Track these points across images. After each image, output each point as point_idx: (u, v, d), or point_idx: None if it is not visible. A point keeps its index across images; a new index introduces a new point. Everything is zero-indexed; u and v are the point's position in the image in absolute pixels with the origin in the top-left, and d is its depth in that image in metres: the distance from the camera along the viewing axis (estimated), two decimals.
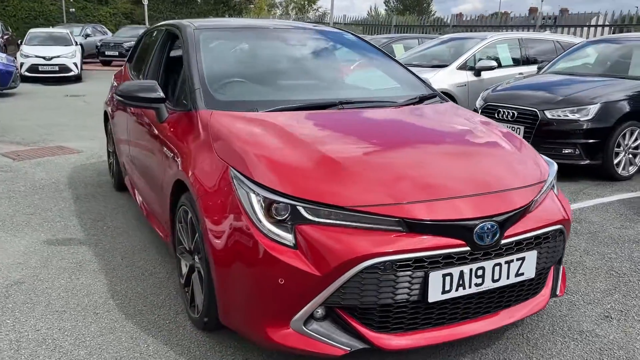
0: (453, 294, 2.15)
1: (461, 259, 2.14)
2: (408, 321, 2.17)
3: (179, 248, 2.89)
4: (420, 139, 2.67)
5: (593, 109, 5.51)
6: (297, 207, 2.13)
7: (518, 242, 2.27)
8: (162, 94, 3.08)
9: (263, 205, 2.17)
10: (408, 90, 3.44)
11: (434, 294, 2.11)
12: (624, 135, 5.66)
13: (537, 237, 2.33)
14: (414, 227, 2.10)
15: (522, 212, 2.30)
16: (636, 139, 5.75)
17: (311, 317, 2.14)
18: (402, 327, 2.17)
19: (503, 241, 2.21)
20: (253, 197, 2.20)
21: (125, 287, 3.14)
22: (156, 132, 3.19)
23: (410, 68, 3.80)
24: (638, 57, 6.51)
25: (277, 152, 2.36)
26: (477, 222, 2.15)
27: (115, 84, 5.01)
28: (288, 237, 2.12)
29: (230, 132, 2.54)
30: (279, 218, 2.14)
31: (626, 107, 5.62)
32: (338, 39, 3.87)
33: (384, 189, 2.18)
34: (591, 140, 5.53)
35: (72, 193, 4.96)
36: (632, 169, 5.79)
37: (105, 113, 5.15)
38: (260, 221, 2.16)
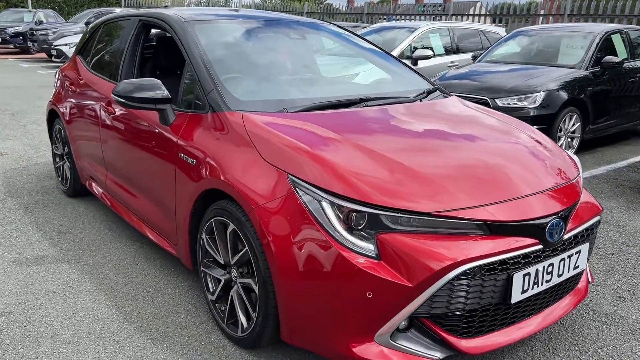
0: (529, 292, 2.16)
1: (536, 258, 2.16)
2: (489, 323, 2.15)
3: (205, 262, 2.67)
4: (465, 137, 2.65)
5: (539, 97, 5.83)
6: (379, 215, 2.02)
7: (575, 236, 2.33)
8: (168, 94, 2.80)
9: (340, 214, 2.05)
10: (412, 84, 3.41)
11: (516, 295, 2.12)
12: (564, 120, 6.05)
13: (586, 229, 2.41)
14: (495, 229, 2.08)
15: (575, 207, 2.37)
16: (574, 124, 6.18)
17: (395, 329, 2.06)
18: (483, 329, 2.15)
19: (565, 236, 2.26)
20: (326, 206, 2.06)
21: (135, 307, 2.85)
22: (160, 135, 2.90)
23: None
24: (564, 47, 6.98)
25: (339, 157, 2.22)
26: (547, 219, 2.17)
27: (64, 78, 4.52)
28: (370, 248, 2.02)
29: (276, 136, 2.36)
30: (357, 228, 2.03)
31: (565, 94, 6.00)
32: (334, 33, 3.74)
33: (460, 191, 2.14)
34: (537, 127, 5.84)
35: (17, 202, 4.43)
36: (570, 152, 6.21)
37: (52, 112, 4.64)
38: (338, 232, 2.03)
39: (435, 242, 2.01)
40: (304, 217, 2.09)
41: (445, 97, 3.34)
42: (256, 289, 2.30)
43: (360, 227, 2.03)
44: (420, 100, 3.17)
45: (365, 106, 2.87)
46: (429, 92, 3.30)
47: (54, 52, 15.41)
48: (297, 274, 2.10)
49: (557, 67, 6.51)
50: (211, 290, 2.66)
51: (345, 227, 2.04)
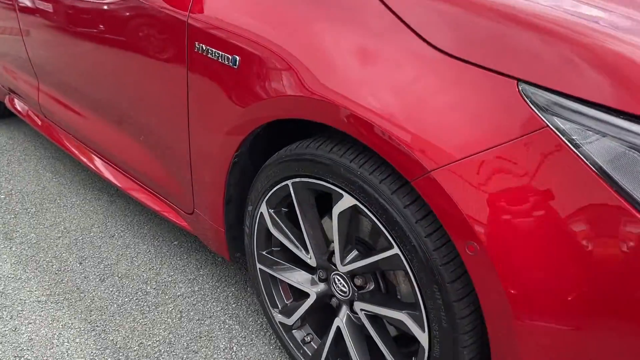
0: None
1: None
2: None
3: (265, 255, 1.40)
4: None
5: None
6: None
7: None
8: None
9: None
10: None
11: None
12: None
13: None
14: None
15: None
16: None
17: None
18: None
19: None
20: None
21: (129, 331, 1.59)
22: (144, 9, 1.48)
23: None
24: None
25: None
26: None
27: None
28: None
29: None
30: None
31: None
32: None
33: None
34: None
35: None
36: None
37: None
38: None
39: None
40: (590, 188, 0.84)
41: None
42: (424, 337, 1.07)
43: None
44: None
45: None
46: None
47: None
48: (569, 323, 0.89)
49: None
50: (280, 306, 1.42)
51: None
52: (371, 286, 1.21)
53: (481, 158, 0.90)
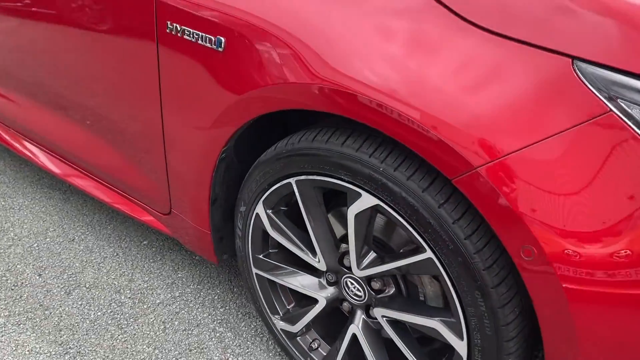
0: None
1: None
2: None
3: (261, 259, 1.26)
4: None
5: None
6: None
7: None
8: None
9: None
10: None
11: None
12: None
13: None
14: None
15: None
16: None
17: None
18: None
19: None
20: None
21: (112, 356, 1.42)
22: None
23: None
24: None
25: None
26: None
27: None
28: None
29: None
30: None
31: None
32: None
33: None
34: None
35: None
36: None
37: None
38: None
39: None
40: None
41: None
42: (462, 346, 0.97)
43: None
44: None
45: None
46: None
47: None
48: None
49: None
50: (282, 313, 1.29)
51: None
52: (391, 290, 1.09)
53: (535, 150, 0.79)
